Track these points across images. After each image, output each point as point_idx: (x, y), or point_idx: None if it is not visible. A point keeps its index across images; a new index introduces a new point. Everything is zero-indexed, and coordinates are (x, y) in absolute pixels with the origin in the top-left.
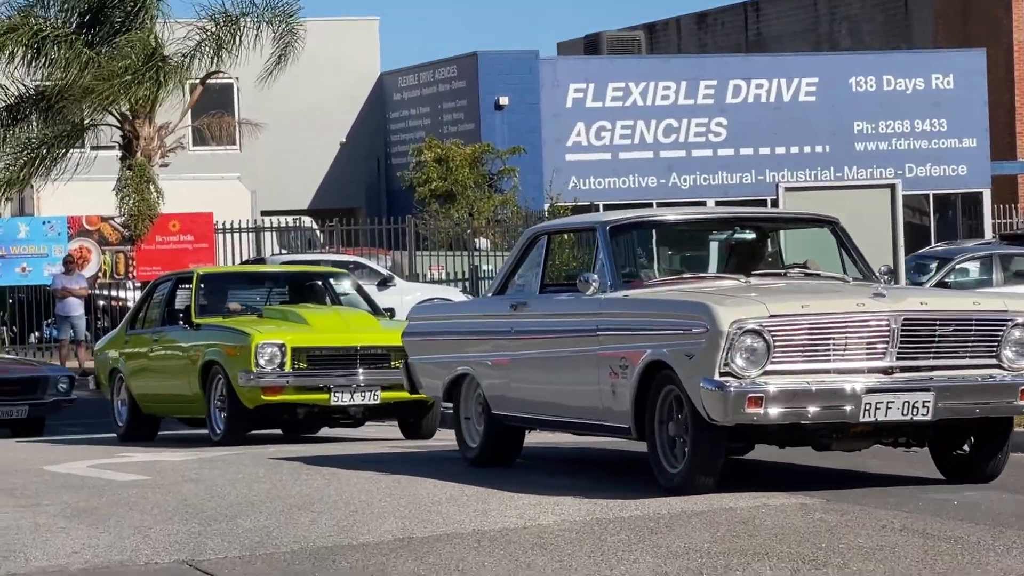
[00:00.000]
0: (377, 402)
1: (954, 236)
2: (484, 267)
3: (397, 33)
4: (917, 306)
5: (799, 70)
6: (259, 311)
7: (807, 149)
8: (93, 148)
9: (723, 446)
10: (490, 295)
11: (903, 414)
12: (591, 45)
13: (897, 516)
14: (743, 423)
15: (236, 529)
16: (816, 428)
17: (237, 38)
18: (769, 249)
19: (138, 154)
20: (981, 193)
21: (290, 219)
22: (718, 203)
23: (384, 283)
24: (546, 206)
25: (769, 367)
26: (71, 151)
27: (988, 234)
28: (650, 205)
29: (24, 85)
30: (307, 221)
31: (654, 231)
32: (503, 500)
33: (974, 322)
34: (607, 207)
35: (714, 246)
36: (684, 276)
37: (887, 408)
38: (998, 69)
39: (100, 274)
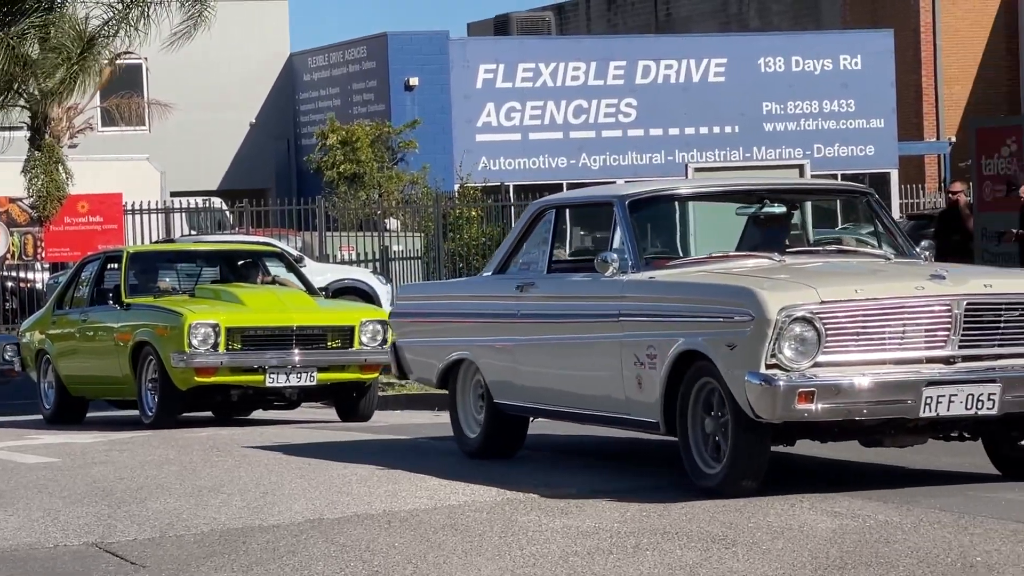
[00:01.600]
0: (313, 383)
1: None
2: (395, 248)
3: (307, 14)
4: (981, 289)
5: (708, 51)
6: (191, 291)
7: (716, 129)
8: (1, 129)
9: (768, 445)
10: (488, 274)
11: (967, 408)
12: (501, 26)
13: (805, 496)
14: (792, 420)
15: (146, 511)
16: (871, 424)
17: (146, 16)
18: (796, 223)
19: (47, 135)
20: (889, 173)
21: (200, 200)
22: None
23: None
24: (456, 186)
25: (820, 358)
26: None
27: (896, 214)
28: (560, 186)
29: None
30: (217, 202)
31: (676, 205)
32: (413, 481)
33: None
34: (517, 188)
35: (740, 221)
36: (713, 255)
37: (949, 402)
38: (906, 50)
39: (8, 255)
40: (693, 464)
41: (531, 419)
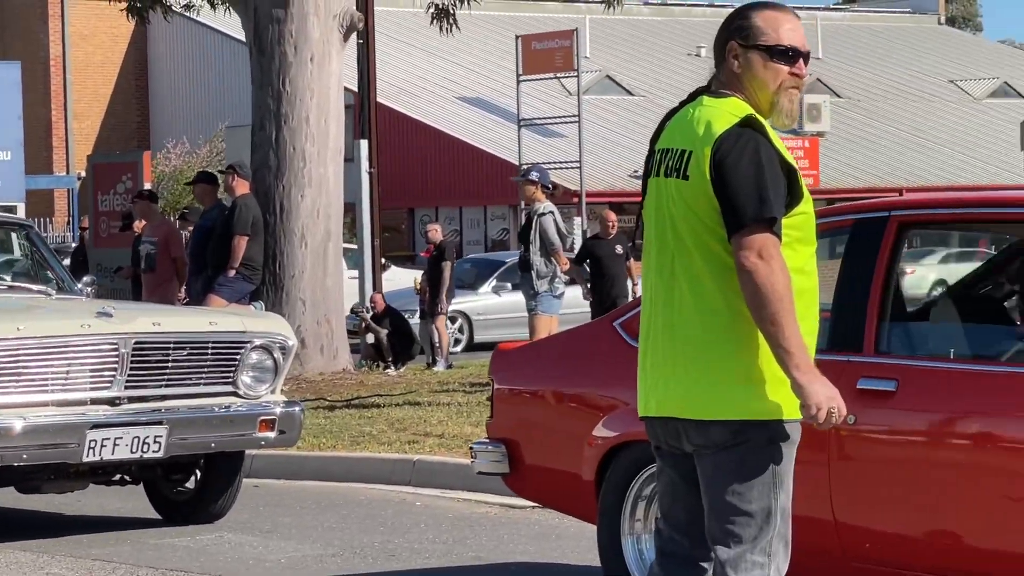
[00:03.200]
0: None
1: None
2: None
3: None
4: (150, 327)
5: None
6: None
7: None
8: None
9: None
10: None
11: (132, 451)
12: None
13: None
14: None
15: None
16: (28, 469)
17: None
18: None
19: None
20: (16, 207)
21: None
22: None
23: None
24: None
25: None
26: None
27: None
28: None
29: None
30: None
31: None
32: None
33: (210, 345)
34: None
35: None
36: None
37: (115, 445)
38: (36, 83)
39: None
40: None
41: None
